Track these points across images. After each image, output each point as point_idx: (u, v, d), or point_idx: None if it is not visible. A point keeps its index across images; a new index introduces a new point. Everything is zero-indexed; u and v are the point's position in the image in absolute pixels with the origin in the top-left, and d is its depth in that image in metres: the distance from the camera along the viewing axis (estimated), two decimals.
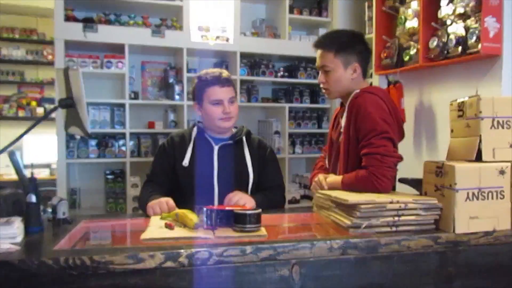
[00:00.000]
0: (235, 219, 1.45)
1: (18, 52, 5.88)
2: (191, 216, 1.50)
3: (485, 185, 1.38)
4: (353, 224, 1.38)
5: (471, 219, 1.37)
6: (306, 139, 3.73)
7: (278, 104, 3.64)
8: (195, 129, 2.02)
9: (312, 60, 3.59)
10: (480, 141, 1.43)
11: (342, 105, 1.96)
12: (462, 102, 1.50)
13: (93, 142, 3.15)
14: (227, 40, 3.32)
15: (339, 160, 1.84)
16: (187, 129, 2.09)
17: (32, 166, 5.12)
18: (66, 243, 1.40)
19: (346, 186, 1.69)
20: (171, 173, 1.98)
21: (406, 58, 2.60)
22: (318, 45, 1.84)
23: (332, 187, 1.76)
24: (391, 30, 2.79)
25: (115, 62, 3.06)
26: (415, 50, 2.52)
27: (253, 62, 3.52)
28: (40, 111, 5.71)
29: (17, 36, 5.88)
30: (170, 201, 1.72)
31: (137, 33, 3.09)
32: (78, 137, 2.87)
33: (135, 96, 3.18)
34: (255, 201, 1.81)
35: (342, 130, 1.80)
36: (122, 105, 3.14)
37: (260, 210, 1.47)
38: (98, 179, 3.35)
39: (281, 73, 3.61)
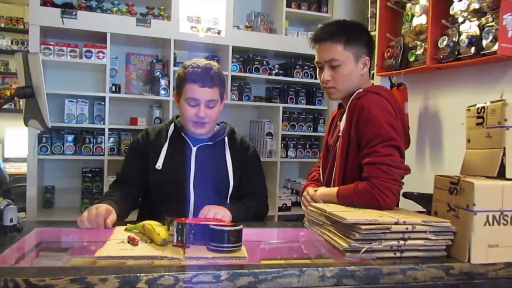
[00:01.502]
0: (210, 236, 1.23)
1: (3, 42, 5.67)
2: (159, 230, 1.27)
3: (508, 208, 1.16)
4: (351, 247, 1.17)
5: (490, 247, 1.16)
6: (300, 142, 3.50)
7: (271, 104, 3.42)
8: (172, 126, 1.80)
9: (309, 58, 3.38)
10: (504, 154, 1.21)
11: (340, 106, 1.74)
12: (483, 107, 1.28)
13: (69, 138, 2.91)
14: (219, 33, 3.09)
15: (335, 169, 1.61)
16: (163, 125, 1.86)
17: (7, 159, 4.86)
18: (6, 257, 1.18)
19: (342, 199, 1.47)
20: (144, 173, 1.76)
21: (412, 59, 2.39)
22: (323, 36, 1.58)
23: (325, 200, 1.54)
24: (396, 27, 2.59)
25: (95, 52, 2.82)
26: (422, 50, 2.31)
27: (246, 57, 3.29)
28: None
29: (2, 25, 5.68)
30: (100, 207, 1.47)
31: (120, 22, 2.85)
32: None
33: (117, 89, 2.94)
34: (231, 213, 1.59)
35: (340, 134, 1.58)
36: (102, 99, 2.91)
37: (241, 227, 1.25)
38: (75, 177, 3.12)
39: (276, 70, 3.38)
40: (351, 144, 1.52)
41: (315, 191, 1.62)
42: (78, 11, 2.75)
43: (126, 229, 1.40)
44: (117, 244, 1.24)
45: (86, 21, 2.76)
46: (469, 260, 1.16)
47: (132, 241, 1.25)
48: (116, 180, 1.79)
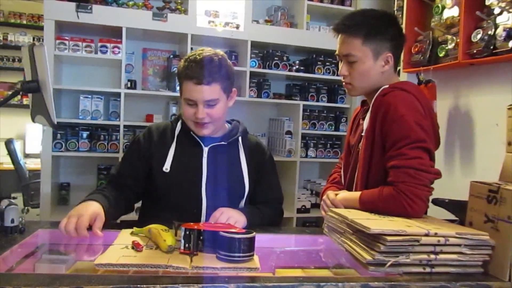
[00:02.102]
0: (219, 244, 1.13)
1: (25, 38, 5.70)
2: (165, 236, 1.18)
3: None
4: (375, 260, 1.05)
5: None
6: (320, 141, 3.37)
7: (291, 101, 3.30)
8: (179, 124, 1.64)
9: (332, 54, 3.25)
10: None
11: (363, 103, 1.62)
12: None
13: (84, 134, 2.86)
14: (237, 27, 2.98)
15: (357, 172, 1.49)
16: (168, 122, 1.69)
17: (28, 155, 4.89)
18: (2, 261, 1.10)
19: (366, 205, 1.35)
20: (145, 176, 1.61)
21: (442, 54, 2.24)
22: (341, 29, 1.46)
23: (347, 205, 1.42)
24: (424, 21, 2.45)
25: (110, 47, 2.76)
26: (453, 45, 2.16)
27: (266, 53, 3.18)
28: None
29: (24, 21, 5.71)
30: (83, 216, 1.29)
31: (136, 16, 2.78)
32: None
33: (132, 85, 2.87)
34: (246, 218, 1.48)
35: (363, 134, 1.46)
36: (118, 95, 2.84)
37: (253, 234, 1.14)
38: (90, 174, 3.07)
39: (296, 67, 3.25)
40: (375, 145, 1.40)
41: (336, 195, 1.51)
42: (93, 5, 2.69)
43: (132, 233, 1.31)
44: (120, 249, 1.16)
45: (101, 15, 2.70)
46: (510, 279, 1.02)
47: (136, 247, 1.16)
48: (109, 181, 1.63)
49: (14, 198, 4.43)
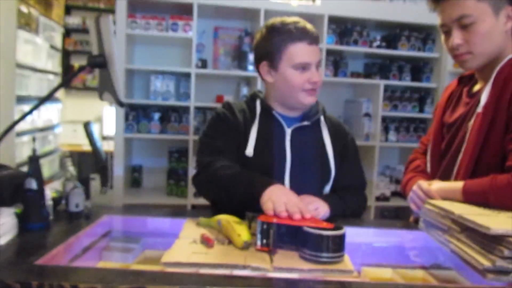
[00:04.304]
0: (305, 241, 0.96)
1: None
2: (239, 230, 1.03)
3: None
4: (495, 267, 0.85)
5: None
6: (403, 124, 3.09)
7: (371, 81, 3.03)
8: (258, 104, 1.46)
9: (418, 28, 2.93)
10: None
11: (462, 81, 1.36)
12: None
13: (155, 116, 2.81)
14: (313, 0, 2.76)
15: (461, 157, 1.22)
16: (243, 103, 1.51)
17: (105, 138, 5.04)
18: (64, 251, 1.01)
19: (471, 197, 1.12)
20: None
21: None
22: None
23: (444, 197, 1.19)
24: None
25: (181, 25, 2.66)
26: None
27: (344, 28, 2.93)
28: None
29: (102, 6, 5.80)
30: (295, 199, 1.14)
31: None
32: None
33: (203, 65, 2.77)
34: (329, 207, 1.31)
35: (479, 110, 1.19)
36: (188, 75, 2.75)
37: (344, 231, 0.96)
38: (161, 157, 3.03)
39: (377, 43, 2.97)
40: (496, 123, 1.13)
41: (429, 185, 1.27)
42: None
43: (198, 224, 1.18)
44: (189, 244, 1.02)
45: None
46: None
47: (206, 242, 1.02)
48: (210, 161, 1.37)
49: (92, 178, 4.58)
